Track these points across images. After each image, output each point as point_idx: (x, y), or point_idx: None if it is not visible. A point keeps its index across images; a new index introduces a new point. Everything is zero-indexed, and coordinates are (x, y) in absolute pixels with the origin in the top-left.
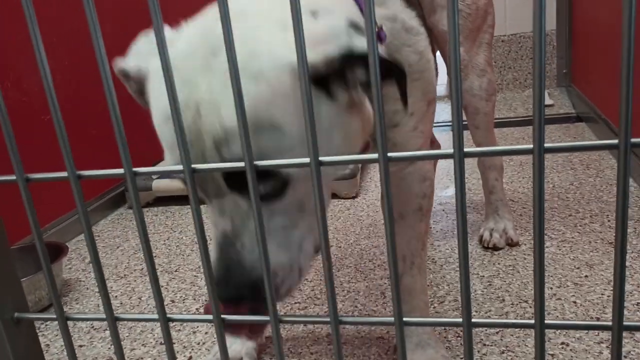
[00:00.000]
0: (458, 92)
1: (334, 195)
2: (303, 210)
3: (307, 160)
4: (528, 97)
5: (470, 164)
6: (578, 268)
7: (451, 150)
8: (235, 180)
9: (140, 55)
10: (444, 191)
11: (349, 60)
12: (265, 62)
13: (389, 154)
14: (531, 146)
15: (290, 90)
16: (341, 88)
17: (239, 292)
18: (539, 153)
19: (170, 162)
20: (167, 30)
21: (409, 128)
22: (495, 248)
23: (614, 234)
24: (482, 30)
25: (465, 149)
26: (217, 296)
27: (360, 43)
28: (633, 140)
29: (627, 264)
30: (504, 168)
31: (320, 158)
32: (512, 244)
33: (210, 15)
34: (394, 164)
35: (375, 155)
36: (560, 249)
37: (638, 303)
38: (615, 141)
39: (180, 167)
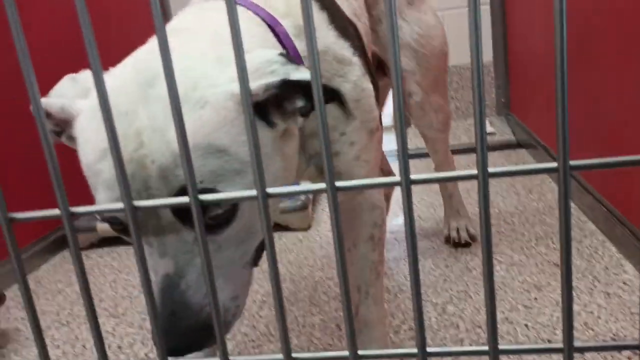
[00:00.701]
0: (402, 122)
1: (287, 228)
2: (249, 237)
3: (253, 192)
4: (470, 126)
5: (419, 191)
6: (527, 291)
7: (398, 178)
8: (186, 210)
9: (65, 97)
10: (394, 219)
11: (288, 88)
12: (208, 91)
13: (337, 183)
14: (475, 171)
15: (235, 117)
16: (279, 116)
17: (188, 340)
18: (483, 178)
19: (107, 201)
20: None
21: (350, 157)
22: (465, 244)
23: (559, 256)
24: (438, 68)
25: (412, 176)
26: (166, 347)
27: (296, 72)
28: (571, 163)
29: (573, 284)
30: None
31: (268, 190)
32: (474, 239)
33: (141, 53)
34: (343, 193)
35: (323, 185)
36: (509, 272)
37: (586, 322)
38: (555, 164)
39: (120, 205)
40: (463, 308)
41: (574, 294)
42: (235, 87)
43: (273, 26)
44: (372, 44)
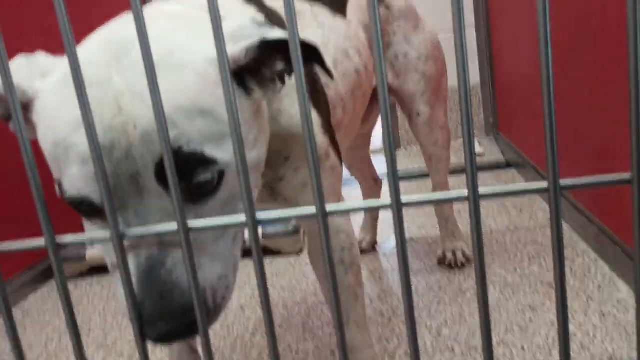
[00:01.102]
0: (392, 145)
1: (278, 253)
2: (235, 206)
3: (243, 218)
4: (460, 147)
5: (410, 212)
6: (522, 311)
7: (389, 201)
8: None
9: (20, 79)
10: (386, 241)
11: (266, 50)
12: (186, 56)
13: (327, 208)
14: (466, 193)
15: (216, 80)
16: (256, 84)
17: (183, 322)
18: (474, 199)
19: (80, 177)
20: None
21: (296, 183)
22: (461, 265)
23: (553, 275)
24: (441, 87)
25: (403, 199)
26: (153, 335)
27: (271, 32)
28: (562, 182)
29: (567, 304)
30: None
31: (257, 215)
32: (469, 260)
33: (112, 25)
34: (305, 220)
35: (312, 210)
36: (503, 294)
37: (582, 343)
38: (545, 184)
39: (107, 235)
40: (458, 331)
41: (568, 314)
42: (213, 52)
43: None
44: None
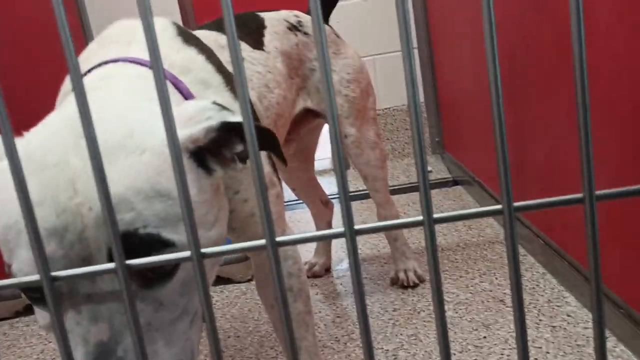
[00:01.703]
0: (344, 176)
1: (229, 280)
2: (193, 289)
3: (188, 254)
4: (408, 165)
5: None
6: (476, 330)
7: (342, 229)
8: (128, 254)
9: None
10: (339, 264)
11: (226, 132)
12: (146, 138)
13: (278, 239)
14: (421, 218)
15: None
16: (217, 164)
17: None
18: (429, 225)
19: (30, 262)
20: None
21: (245, 214)
22: (414, 285)
23: (504, 291)
24: (367, 108)
25: (357, 227)
26: None
27: (232, 116)
28: (515, 204)
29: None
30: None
31: (203, 250)
32: (421, 280)
33: (68, 108)
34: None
35: (262, 242)
36: (457, 312)
37: (536, 359)
38: (500, 207)
39: (35, 277)
40: (415, 353)
41: None
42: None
43: (175, 83)
44: (300, 102)
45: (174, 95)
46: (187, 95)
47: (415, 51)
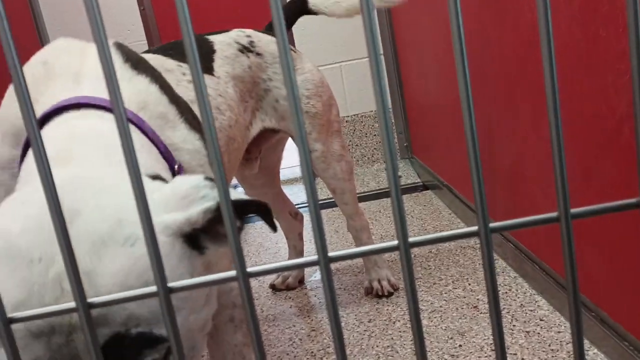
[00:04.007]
0: (316, 205)
1: None
2: None
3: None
4: (377, 171)
5: (334, 242)
6: (451, 338)
7: (315, 258)
8: (119, 355)
9: None
10: (313, 275)
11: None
12: (137, 226)
13: (249, 269)
14: (396, 242)
15: (169, 250)
16: (210, 241)
17: None
18: (405, 249)
19: None
20: None
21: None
22: (388, 294)
23: (477, 297)
24: (331, 121)
25: (330, 254)
26: None
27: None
28: (491, 225)
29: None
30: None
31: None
32: (395, 288)
33: (39, 193)
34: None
35: (233, 273)
36: (432, 321)
37: None
38: (476, 228)
39: None
40: None
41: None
42: (166, 219)
43: (138, 125)
44: (258, 123)
45: (139, 138)
46: (152, 137)
47: (382, 58)
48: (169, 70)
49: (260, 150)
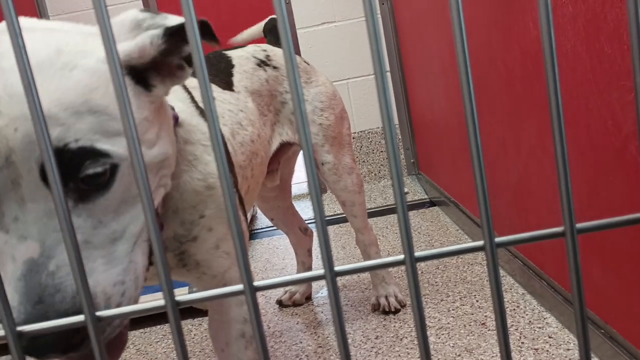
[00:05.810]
0: (323, 221)
1: (199, 312)
2: (134, 204)
3: (240, 287)
4: (384, 187)
5: (341, 258)
6: (459, 355)
7: (322, 272)
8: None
9: None
10: (320, 291)
11: (171, 36)
12: (76, 55)
13: (256, 284)
14: (402, 257)
15: (110, 77)
16: (158, 79)
17: (64, 334)
18: (411, 263)
19: None
20: None
21: (210, 245)
22: (395, 311)
23: (485, 314)
24: (342, 134)
25: (337, 268)
26: (35, 346)
27: (167, 20)
28: (497, 240)
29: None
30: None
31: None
32: (402, 304)
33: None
34: (206, 285)
35: (240, 287)
36: (439, 337)
37: None
38: (482, 243)
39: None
40: None
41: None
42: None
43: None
44: (277, 138)
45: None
46: None
47: (388, 74)
48: (193, 87)
49: (279, 162)
